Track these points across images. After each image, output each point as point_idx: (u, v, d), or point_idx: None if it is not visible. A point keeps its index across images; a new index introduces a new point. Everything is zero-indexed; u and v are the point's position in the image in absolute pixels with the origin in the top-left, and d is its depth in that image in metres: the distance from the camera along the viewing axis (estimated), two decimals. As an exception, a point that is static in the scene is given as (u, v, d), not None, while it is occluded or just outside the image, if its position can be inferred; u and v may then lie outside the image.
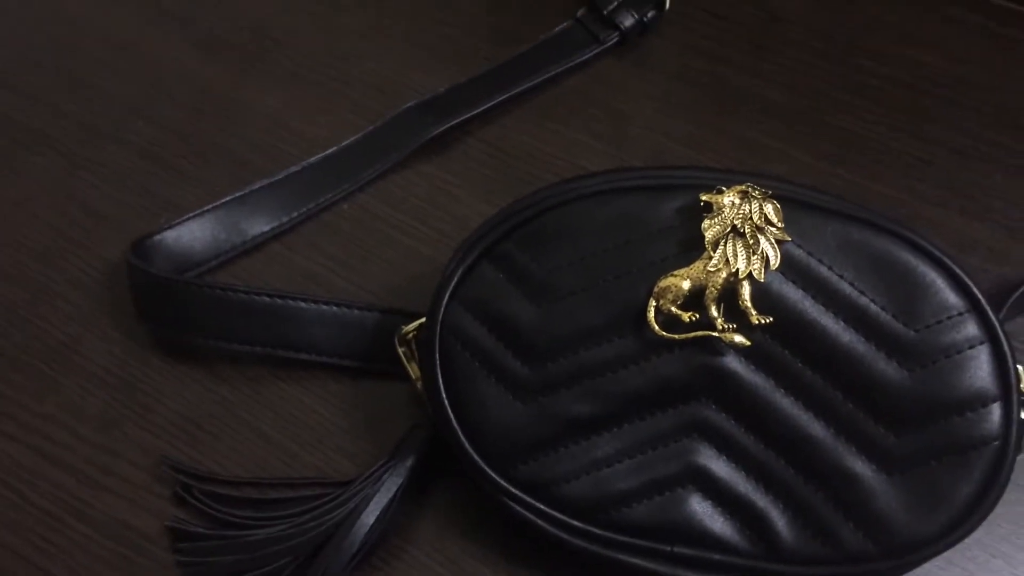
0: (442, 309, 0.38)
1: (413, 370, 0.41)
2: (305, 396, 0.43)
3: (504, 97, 0.52)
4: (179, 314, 0.43)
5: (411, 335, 0.41)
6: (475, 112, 0.51)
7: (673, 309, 0.36)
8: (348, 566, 0.37)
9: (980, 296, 0.36)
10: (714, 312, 0.36)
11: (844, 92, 0.52)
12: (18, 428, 0.42)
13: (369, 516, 0.38)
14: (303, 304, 0.42)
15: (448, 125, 0.51)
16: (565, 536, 0.37)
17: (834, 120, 0.51)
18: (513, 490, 0.37)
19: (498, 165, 0.51)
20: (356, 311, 0.42)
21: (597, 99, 0.54)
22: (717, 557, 0.36)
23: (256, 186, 0.48)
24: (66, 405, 0.43)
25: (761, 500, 0.36)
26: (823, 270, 0.36)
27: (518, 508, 0.37)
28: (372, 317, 0.42)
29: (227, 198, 0.48)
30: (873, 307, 0.36)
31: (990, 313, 0.36)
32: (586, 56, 0.54)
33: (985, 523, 0.36)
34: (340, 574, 0.37)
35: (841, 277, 0.36)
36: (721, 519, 0.36)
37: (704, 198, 0.36)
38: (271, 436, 0.42)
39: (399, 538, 0.40)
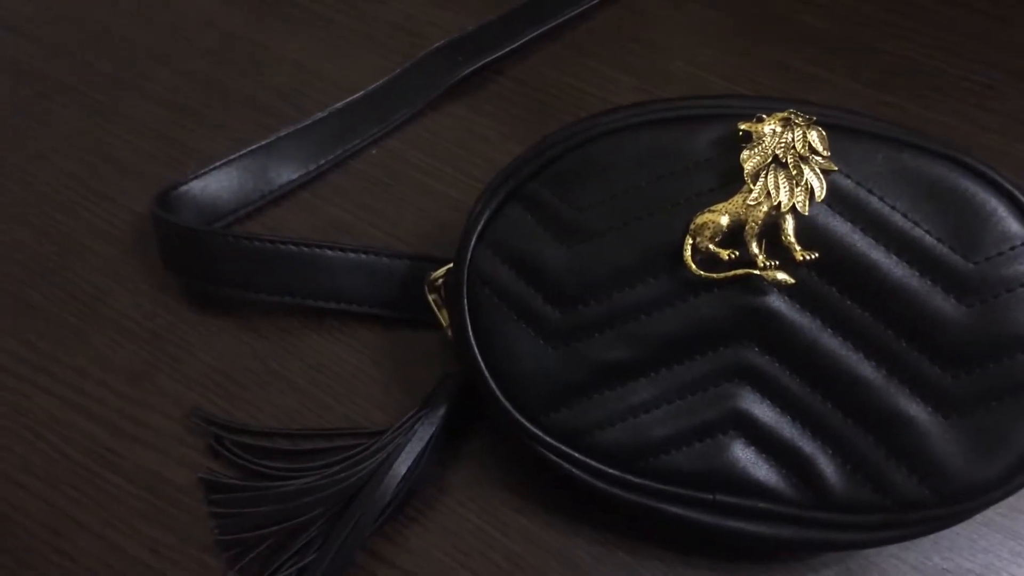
0: (469, 253, 0.37)
1: (443, 317, 0.40)
2: (337, 346, 0.42)
3: (535, 33, 0.51)
4: (206, 265, 0.43)
5: (440, 281, 0.40)
6: (505, 50, 0.50)
7: (711, 247, 0.34)
8: (381, 516, 0.37)
9: None
10: (755, 249, 0.34)
11: (893, 14, 0.49)
12: (51, 381, 0.42)
13: (401, 466, 0.37)
14: (331, 252, 0.41)
15: (478, 65, 0.50)
16: (601, 485, 0.35)
17: (882, 45, 0.49)
18: (545, 438, 0.36)
19: (530, 104, 0.50)
20: (385, 259, 0.42)
21: (631, 32, 0.52)
22: (762, 505, 0.34)
23: (282, 133, 0.48)
24: (97, 358, 0.43)
25: (808, 446, 0.35)
26: (873, 200, 0.34)
27: (551, 456, 0.36)
28: (401, 264, 0.41)
29: (253, 146, 0.47)
30: (928, 239, 0.34)
31: (1057, 243, 0.34)
32: (620, -14, 0.52)
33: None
34: (373, 524, 0.37)
35: (893, 208, 0.34)
36: (766, 466, 0.35)
37: (742, 127, 0.34)
38: (303, 387, 0.42)
39: (434, 488, 0.39)
